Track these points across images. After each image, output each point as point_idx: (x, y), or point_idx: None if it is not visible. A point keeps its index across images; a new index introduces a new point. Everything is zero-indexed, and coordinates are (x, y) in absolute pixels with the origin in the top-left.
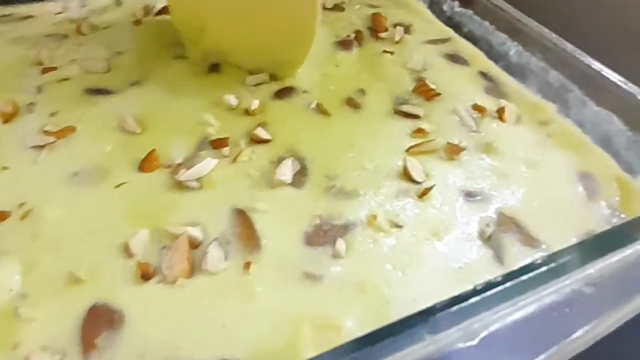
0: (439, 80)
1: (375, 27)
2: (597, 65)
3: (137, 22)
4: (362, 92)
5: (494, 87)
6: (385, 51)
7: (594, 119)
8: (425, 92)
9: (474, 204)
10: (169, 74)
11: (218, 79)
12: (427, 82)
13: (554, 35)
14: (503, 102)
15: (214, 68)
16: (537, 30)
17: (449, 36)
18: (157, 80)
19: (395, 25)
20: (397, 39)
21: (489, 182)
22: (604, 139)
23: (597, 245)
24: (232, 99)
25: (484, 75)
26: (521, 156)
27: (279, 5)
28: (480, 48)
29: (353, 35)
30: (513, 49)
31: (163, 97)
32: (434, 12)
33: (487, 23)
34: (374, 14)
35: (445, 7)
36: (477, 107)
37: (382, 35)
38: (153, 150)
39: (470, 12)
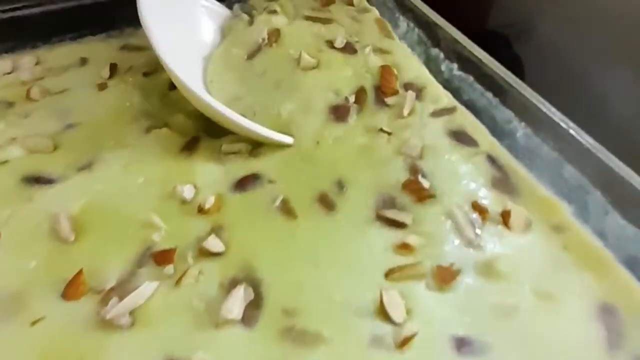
0: (437, 169)
1: (384, 87)
2: (623, 168)
3: (102, 86)
4: (340, 185)
5: (502, 179)
6: (382, 130)
7: (619, 233)
8: (416, 191)
9: (467, 357)
10: (131, 152)
11: (187, 160)
12: (420, 177)
13: (571, 123)
14: (509, 204)
15: (194, 142)
16: (549, 114)
17: (454, 105)
18: (113, 162)
19: (406, 87)
20: (406, 112)
21: (487, 323)
22: (630, 261)
23: None
24: (186, 191)
25: (493, 161)
26: (530, 283)
27: None
28: (482, 122)
29: (353, 98)
30: (520, 130)
31: (112, 186)
32: (430, 70)
33: (490, 94)
34: (384, 68)
35: (443, 67)
36: (478, 208)
37: (390, 100)
38: (80, 271)
39: (471, 78)
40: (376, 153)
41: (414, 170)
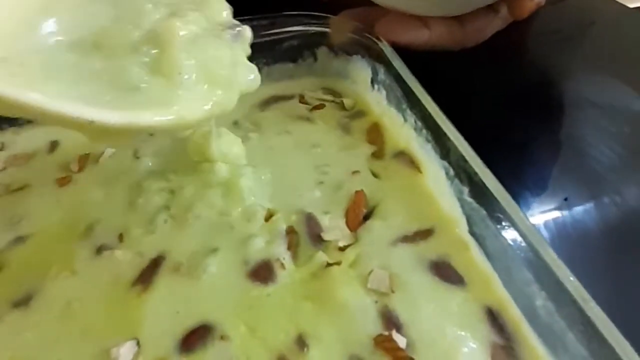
0: (414, 316)
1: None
2: None
3: (63, 180)
4: (301, 343)
5: (505, 349)
6: (329, 264)
7: None
8: (390, 350)
9: None
10: (76, 283)
11: (138, 299)
12: (395, 333)
13: (606, 320)
14: None
15: (153, 268)
16: (583, 306)
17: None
18: (53, 299)
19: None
20: (342, 243)
21: None
22: None
23: None
24: (122, 356)
25: (493, 317)
26: None
27: None
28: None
29: (281, 252)
30: (540, 299)
31: (44, 335)
32: None
33: (504, 239)
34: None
35: (450, 187)
36: None
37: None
38: None
39: (484, 212)
40: (337, 292)
41: (387, 317)
